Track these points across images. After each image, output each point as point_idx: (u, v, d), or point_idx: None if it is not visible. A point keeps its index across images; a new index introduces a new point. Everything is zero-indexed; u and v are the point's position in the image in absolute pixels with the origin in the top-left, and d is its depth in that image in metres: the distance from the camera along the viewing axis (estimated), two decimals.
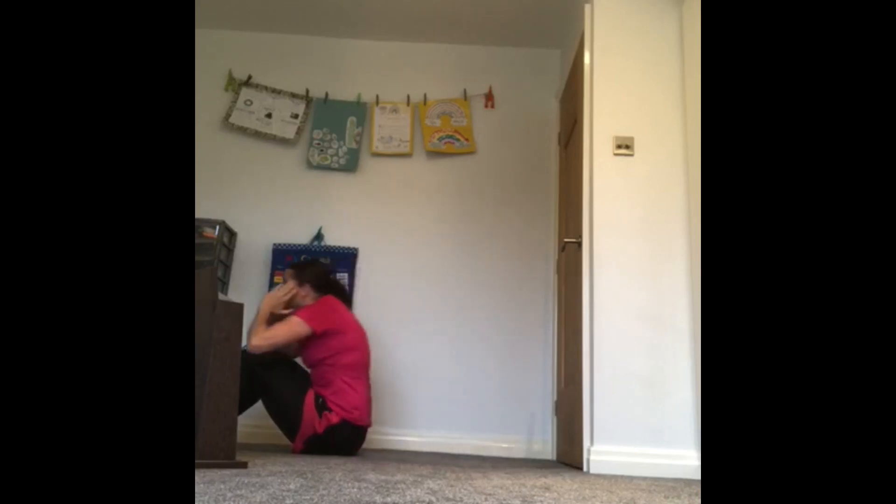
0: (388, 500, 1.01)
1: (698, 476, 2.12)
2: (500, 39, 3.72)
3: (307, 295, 2.70)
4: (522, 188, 3.56)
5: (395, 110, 3.67)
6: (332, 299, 2.65)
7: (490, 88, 3.71)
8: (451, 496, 1.11)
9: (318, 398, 2.47)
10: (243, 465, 1.54)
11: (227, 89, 3.69)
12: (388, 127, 3.65)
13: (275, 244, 3.44)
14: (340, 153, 3.60)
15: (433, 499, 1.05)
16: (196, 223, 3.11)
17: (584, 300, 2.36)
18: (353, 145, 3.61)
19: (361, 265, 3.45)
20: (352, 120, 3.65)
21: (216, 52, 3.74)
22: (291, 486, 1.13)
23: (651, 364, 2.26)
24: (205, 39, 3.76)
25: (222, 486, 1.08)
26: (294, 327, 2.50)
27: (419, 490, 1.18)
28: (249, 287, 3.40)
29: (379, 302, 3.39)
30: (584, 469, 2.20)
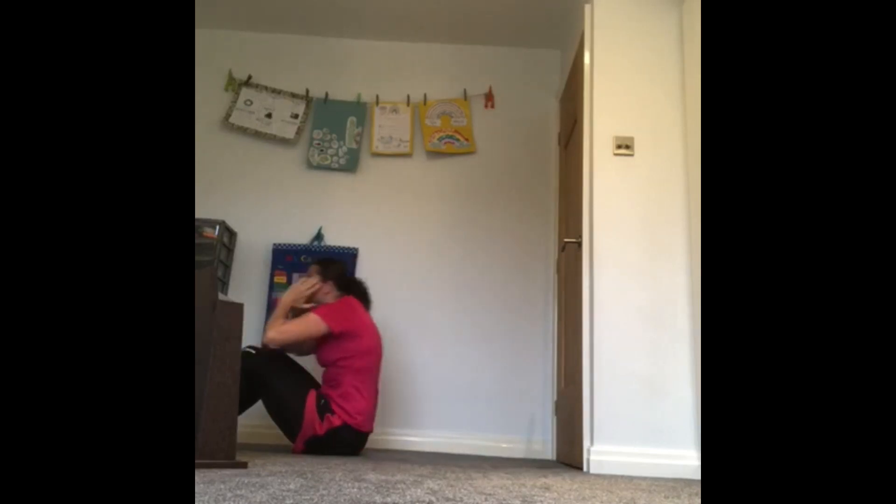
0: (388, 500, 1.01)
1: (698, 476, 2.12)
2: (500, 39, 3.72)
3: (329, 292, 2.70)
4: (522, 188, 3.56)
5: (395, 110, 3.67)
6: (352, 300, 2.65)
7: (490, 88, 3.71)
8: (451, 496, 1.11)
9: (320, 398, 2.46)
10: (243, 465, 1.54)
11: (227, 89, 3.69)
12: (388, 127, 3.65)
13: (275, 244, 3.44)
14: (340, 153, 3.60)
15: (433, 499, 1.05)
16: (196, 223, 3.11)
17: (584, 300, 2.36)
18: (353, 145, 3.61)
19: (361, 265, 3.45)
20: (352, 120, 3.65)
21: (216, 52, 3.74)
22: (291, 486, 1.13)
23: (651, 364, 2.26)
24: (205, 39, 3.76)
25: (222, 486, 1.08)
26: (311, 324, 2.50)
27: (419, 490, 1.18)
28: (249, 287, 3.40)
29: (379, 302, 3.39)
30: (584, 469, 2.20)
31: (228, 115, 3.62)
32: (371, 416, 2.54)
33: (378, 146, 3.61)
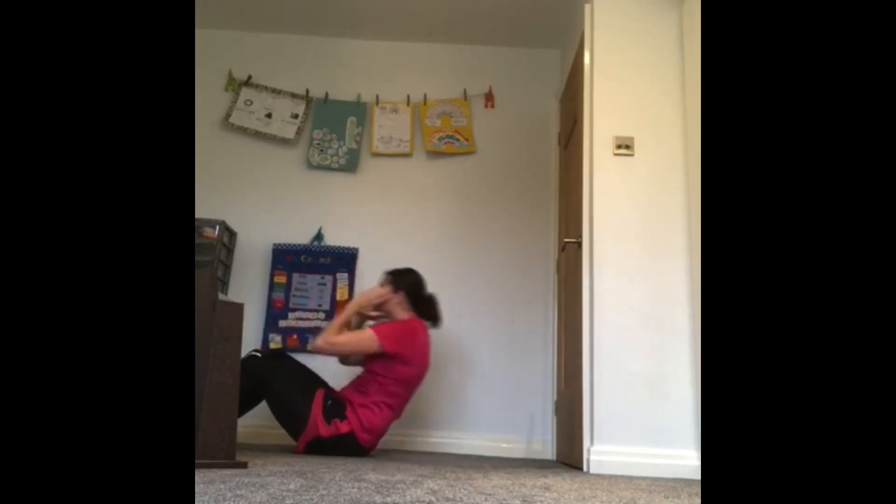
0: (388, 500, 1.01)
1: (698, 476, 2.12)
2: (500, 39, 3.72)
3: (401, 303, 2.64)
4: (522, 188, 3.56)
5: (395, 110, 3.68)
6: (417, 325, 2.58)
7: (490, 88, 3.71)
8: (451, 496, 1.11)
9: (326, 399, 2.44)
10: (243, 465, 1.54)
11: (227, 89, 3.69)
12: (388, 127, 3.65)
13: (275, 244, 3.44)
14: (340, 153, 3.60)
15: (433, 499, 1.05)
16: (196, 223, 3.11)
17: (584, 300, 2.36)
18: (353, 145, 3.61)
19: (361, 265, 3.45)
20: (352, 120, 3.65)
21: (216, 52, 3.74)
22: (291, 486, 1.13)
23: (651, 364, 2.26)
24: (205, 39, 3.76)
25: (222, 486, 1.08)
26: (364, 341, 2.46)
27: (419, 490, 1.18)
28: (249, 287, 3.40)
29: None
30: (584, 469, 2.20)
31: (228, 115, 3.62)
32: (379, 437, 2.51)
33: (378, 146, 3.61)
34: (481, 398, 3.26)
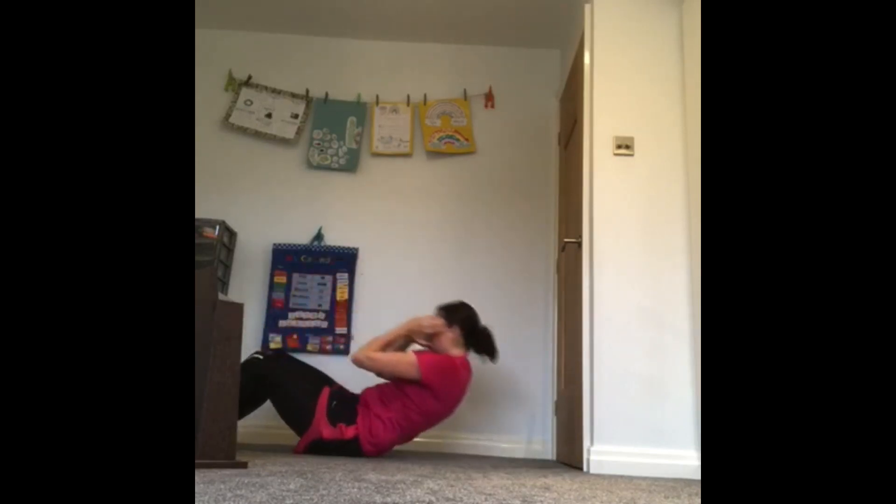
0: (388, 500, 1.01)
1: (698, 476, 2.12)
2: (500, 39, 3.72)
3: (455, 338, 2.56)
4: (522, 188, 3.56)
5: (395, 110, 3.68)
6: (463, 364, 2.50)
7: (490, 88, 3.71)
8: (451, 496, 1.11)
9: (332, 400, 2.43)
10: (243, 465, 1.54)
11: (227, 89, 3.69)
12: (388, 127, 3.65)
13: (275, 244, 3.44)
14: (340, 153, 3.60)
15: (433, 499, 1.05)
16: (196, 223, 3.11)
17: (584, 300, 2.36)
18: (353, 145, 3.61)
19: (361, 265, 3.45)
20: (352, 120, 3.65)
21: (216, 52, 3.74)
22: (291, 486, 1.13)
23: (651, 364, 2.25)
24: (205, 39, 3.76)
25: (222, 486, 1.08)
26: (403, 364, 2.40)
27: (419, 490, 1.18)
28: (249, 287, 3.40)
29: (378, 302, 3.40)
30: (584, 469, 2.20)
31: (228, 115, 3.62)
32: (380, 452, 2.45)
33: (378, 146, 3.61)
34: (481, 398, 3.26)
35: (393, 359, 2.43)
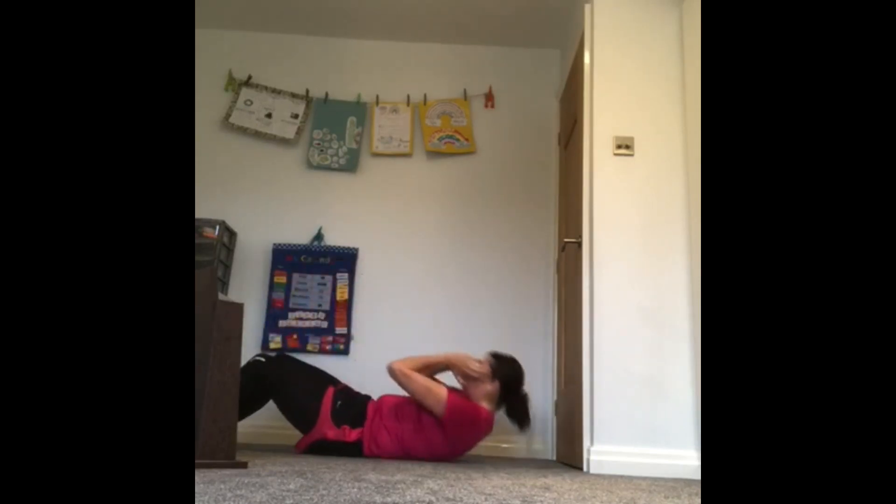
0: (388, 500, 1.01)
1: (698, 476, 2.12)
2: (500, 39, 3.72)
3: (492, 392, 2.46)
4: (522, 188, 3.56)
5: (395, 110, 3.68)
6: (486, 420, 2.40)
7: (490, 88, 3.71)
8: (451, 496, 1.11)
9: (336, 400, 2.43)
10: (243, 465, 1.54)
11: (227, 89, 3.69)
12: (388, 127, 3.65)
13: (275, 244, 3.44)
14: (340, 153, 3.60)
15: (433, 499, 1.05)
16: (196, 223, 3.11)
17: (584, 300, 2.36)
18: (353, 145, 3.61)
19: (361, 265, 3.45)
20: (352, 120, 3.65)
21: (216, 52, 3.74)
22: (291, 486, 1.13)
23: (651, 364, 2.25)
24: (205, 39, 3.76)
25: (222, 486, 1.08)
26: (432, 396, 2.35)
27: (419, 490, 1.18)
28: (249, 287, 3.40)
29: (378, 302, 3.40)
30: (584, 469, 2.19)
31: (228, 115, 3.62)
32: (381, 456, 2.42)
33: (378, 146, 3.61)
34: None
35: (426, 385, 2.37)
